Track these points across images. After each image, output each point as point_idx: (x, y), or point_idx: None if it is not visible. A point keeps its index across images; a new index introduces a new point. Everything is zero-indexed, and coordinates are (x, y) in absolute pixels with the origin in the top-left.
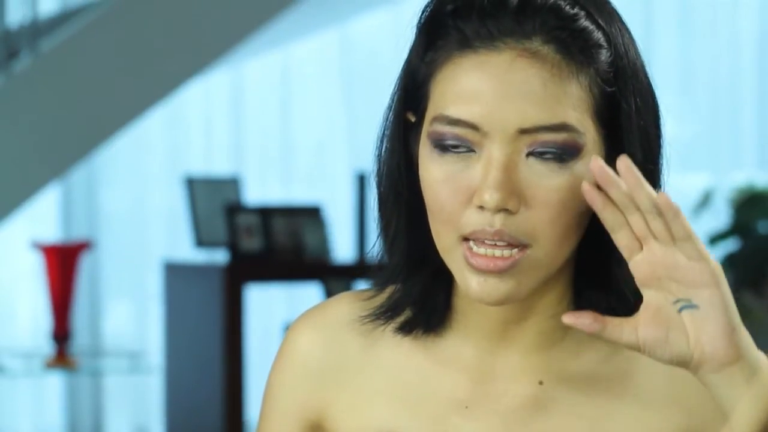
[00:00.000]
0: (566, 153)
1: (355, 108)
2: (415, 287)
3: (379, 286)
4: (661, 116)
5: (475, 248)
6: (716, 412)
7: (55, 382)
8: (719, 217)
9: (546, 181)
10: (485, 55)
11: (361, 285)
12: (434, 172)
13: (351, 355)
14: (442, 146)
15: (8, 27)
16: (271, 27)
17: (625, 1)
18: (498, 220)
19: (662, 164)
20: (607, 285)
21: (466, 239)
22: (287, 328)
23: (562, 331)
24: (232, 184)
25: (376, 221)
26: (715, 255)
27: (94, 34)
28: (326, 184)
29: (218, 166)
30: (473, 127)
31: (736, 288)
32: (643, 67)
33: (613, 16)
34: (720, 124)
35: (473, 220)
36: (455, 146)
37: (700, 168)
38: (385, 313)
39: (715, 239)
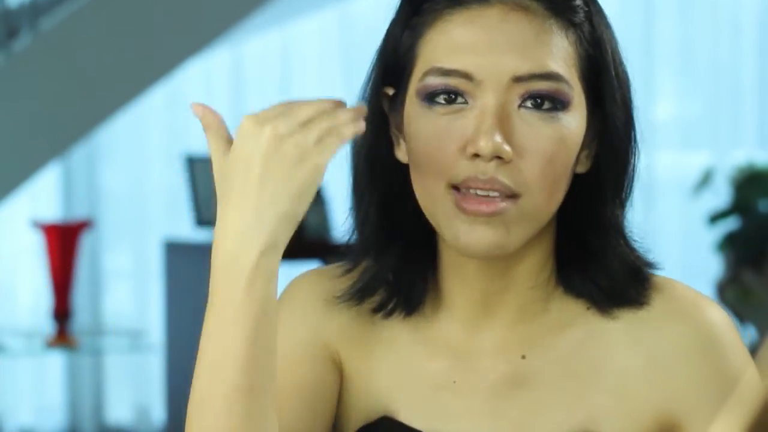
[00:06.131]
0: (557, 103)
1: (355, 86)
2: (388, 263)
3: (350, 265)
4: (631, 89)
5: (465, 193)
6: (700, 395)
7: (56, 361)
8: (720, 196)
9: (538, 131)
10: (477, 10)
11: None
12: (424, 125)
13: (354, 320)
14: (432, 100)
15: (8, 5)
16: (271, 5)
17: None
18: (491, 168)
19: (636, 132)
20: (587, 254)
21: (455, 188)
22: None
23: (542, 303)
24: None
25: (349, 196)
26: (715, 234)
27: (95, 12)
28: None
29: None
30: (467, 76)
31: (737, 267)
32: (618, 48)
33: None
34: (720, 102)
35: (465, 169)
36: (447, 98)
37: (701, 147)
38: (357, 293)
39: (716, 218)
